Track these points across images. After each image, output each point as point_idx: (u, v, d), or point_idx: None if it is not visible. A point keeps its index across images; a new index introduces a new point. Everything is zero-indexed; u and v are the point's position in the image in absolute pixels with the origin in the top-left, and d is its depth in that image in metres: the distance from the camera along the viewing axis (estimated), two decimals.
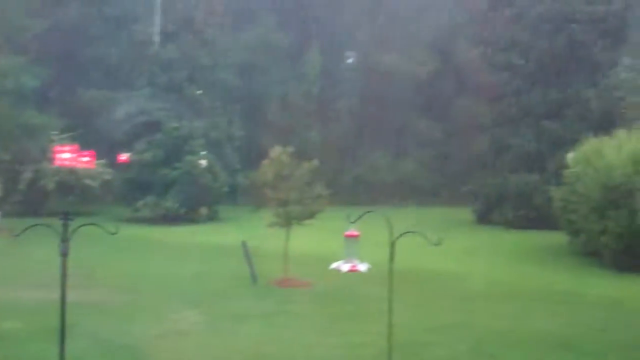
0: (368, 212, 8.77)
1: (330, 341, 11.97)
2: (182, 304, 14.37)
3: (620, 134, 21.87)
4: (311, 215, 17.35)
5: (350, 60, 44.42)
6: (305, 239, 19.12)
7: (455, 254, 21.16)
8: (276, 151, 17.61)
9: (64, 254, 6.28)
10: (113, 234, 6.74)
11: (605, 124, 26.82)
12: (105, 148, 30.71)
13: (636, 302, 15.79)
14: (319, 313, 14.06)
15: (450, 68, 40.94)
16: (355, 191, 36.94)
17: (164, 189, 29.45)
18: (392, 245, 7.29)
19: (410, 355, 10.96)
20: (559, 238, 23.62)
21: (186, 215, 29.45)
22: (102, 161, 30.04)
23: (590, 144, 22.14)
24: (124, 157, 30.12)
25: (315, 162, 17.61)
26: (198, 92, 31.43)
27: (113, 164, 30.42)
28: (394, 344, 6.86)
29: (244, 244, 17.33)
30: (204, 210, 30.13)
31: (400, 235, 7.30)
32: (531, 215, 29.08)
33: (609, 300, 15.90)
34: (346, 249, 9.84)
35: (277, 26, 38.81)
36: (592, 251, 21.28)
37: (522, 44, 30.93)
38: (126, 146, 30.24)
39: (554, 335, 12.57)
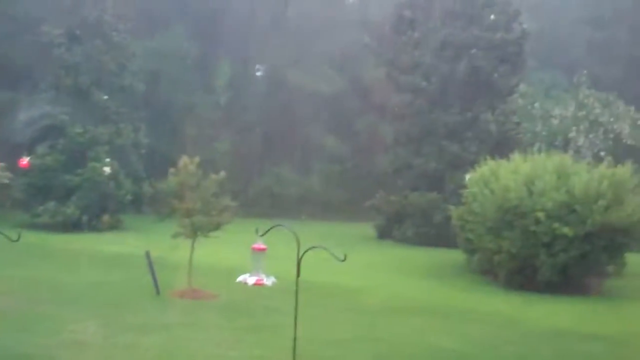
0: (276, 225, 8.96)
1: (232, 354, 12.06)
2: (82, 314, 14.11)
3: (516, 157, 22.96)
4: (217, 227, 17.37)
5: (259, 74, 44.61)
6: (212, 251, 19.10)
7: (358, 269, 21.59)
8: (183, 161, 17.56)
9: None
10: (14, 241, 6.62)
11: (502, 147, 28.09)
12: (5, 151, 29.65)
13: (527, 319, 16.59)
14: (222, 326, 14.11)
15: (356, 86, 41.81)
16: (263, 204, 37.07)
17: (65, 195, 28.70)
18: (299, 260, 7.50)
19: None
20: (457, 256, 24.49)
21: (88, 223, 28.77)
22: (1, 164, 29.00)
23: (488, 166, 23.11)
24: (24, 161, 29.16)
25: (223, 174, 17.66)
26: (104, 97, 30.84)
27: (13, 168, 29.41)
28: (297, 357, 7.05)
29: (147, 254, 17.15)
30: (106, 219, 29.52)
31: (307, 250, 7.52)
32: (431, 232, 30.01)
33: (502, 317, 16.64)
34: (253, 262, 9.95)
35: (188, 35, 38.59)
36: (487, 269, 22.17)
37: (425, 66, 32.00)
38: (27, 150, 29.32)
39: (450, 350, 13.08)
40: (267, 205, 37.32)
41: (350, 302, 17.44)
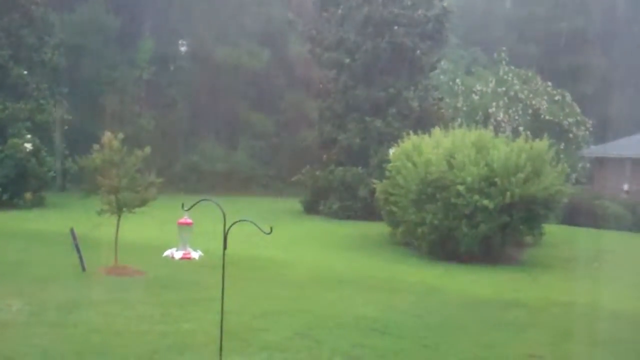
0: (202, 200, 9.06)
1: (161, 329, 12.12)
2: (5, 292, 13.89)
3: (438, 132, 23.56)
4: (143, 203, 17.29)
5: (183, 49, 44.12)
6: (138, 228, 19.02)
7: (284, 243, 21.88)
8: (107, 137, 17.36)
9: None
10: None
11: (424, 123, 28.76)
12: None
13: (450, 289, 17.19)
14: (150, 301, 14.13)
15: (282, 63, 41.87)
16: (189, 180, 36.88)
17: None
18: (225, 233, 7.64)
19: (239, 341, 11.37)
20: (381, 228, 25.04)
21: (9, 201, 28.11)
22: None
23: (410, 141, 23.66)
24: None
25: (148, 150, 17.55)
26: (23, 72, 30.01)
27: None
28: (225, 330, 7.22)
29: (72, 231, 16.96)
30: (28, 196, 28.89)
31: (233, 223, 7.66)
32: (356, 206, 30.55)
33: (425, 287, 17.19)
34: (179, 236, 10.02)
35: (109, 8, 37.80)
36: (411, 241, 22.78)
37: (348, 43, 32.30)
38: None
39: (373, 320, 13.46)
40: (193, 181, 37.19)
41: (277, 275, 17.69)
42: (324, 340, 11.84)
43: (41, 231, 22.25)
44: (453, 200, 20.85)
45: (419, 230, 21.65)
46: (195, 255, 10.16)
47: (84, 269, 16.43)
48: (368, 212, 28.89)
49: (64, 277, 15.85)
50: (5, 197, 28.03)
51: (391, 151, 25.13)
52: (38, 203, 29.23)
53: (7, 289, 14.21)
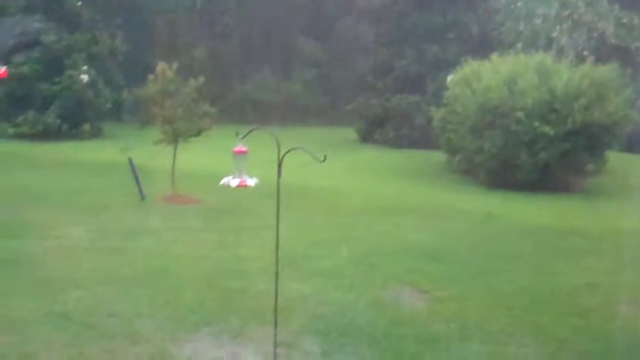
0: (255, 128, 8.94)
1: (218, 255, 12.27)
2: (67, 220, 14.22)
3: (498, 57, 22.86)
4: (198, 133, 17.36)
5: None
6: (193, 157, 19.13)
7: (339, 172, 21.79)
8: (161, 67, 17.35)
9: None
10: None
11: (483, 48, 27.86)
12: None
13: (507, 217, 16.90)
14: (207, 228, 14.30)
15: None
16: (243, 110, 36.89)
17: (44, 104, 28.43)
18: (279, 161, 7.53)
19: (294, 267, 11.43)
20: (438, 157, 24.72)
21: (68, 132, 28.62)
22: None
23: (469, 67, 23.02)
24: (1, 70, 28.65)
25: (201, 80, 17.52)
26: (78, 3, 30.07)
27: None
28: (281, 257, 7.21)
29: (130, 161, 17.18)
30: (86, 127, 29.36)
31: (287, 151, 7.53)
32: (412, 135, 30.15)
33: (480, 215, 16.93)
34: (235, 165, 9.98)
35: None
36: (468, 169, 22.44)
37: None
38: (3, 60, 28.74)
39: (428, 247, 13.36)
40: (247, 111, 37.17)
41: (332, 204, 17.66)
42: (379, 267, 11.81)
43: (100, 161, 22.62)
44: (512, 127, 20.35)
45: (477, 158, 21.28)
46: (251, 182, 10.09)
47: (142, 197, 16.67)
48: (424, 140, 28.48)
49: (123, 205, 16.11)
50: (64, 128, 28.52)
51: (449, 78, 24.54)
52: (96, 134, 29.69)
53: (68, 217, 14.53)
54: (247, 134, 9.13)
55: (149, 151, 17.81)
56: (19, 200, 16.05)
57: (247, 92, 39.16)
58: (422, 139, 29.03)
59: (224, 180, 9.63)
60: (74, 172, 20.42)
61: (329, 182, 20.19)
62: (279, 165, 7.12)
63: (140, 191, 16.71)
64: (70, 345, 7.97)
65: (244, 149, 10.28)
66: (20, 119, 28.11)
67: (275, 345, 7.11)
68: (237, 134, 9.58)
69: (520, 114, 20.10)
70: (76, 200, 16.43)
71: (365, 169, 24.15)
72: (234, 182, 9.96)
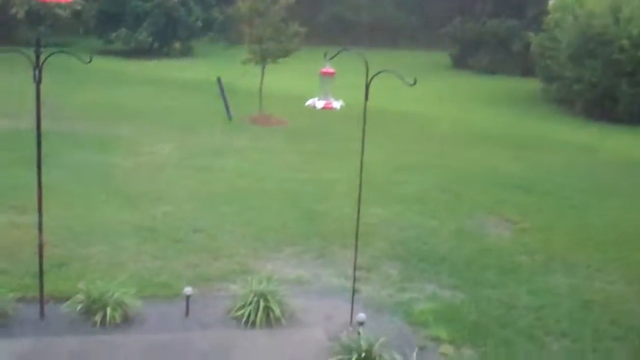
0: (344, 49, 8.68)
1: (302, 176, 12.27)
2: (157, 137, 14.49)
3: None
4: (286, 53, 17.22)
5: None
6: (281, 78, 19.08)
7: (429, 97, 21.34)
8: None
9: (38, 81, 6.23)
10: (87, 62, 6.63)
11: None
12: None
13: (604, 150, 16.23)
14: (293, 150, 14.31)
15: None
16: (333, 31, 36.33)
17: (136, 21, 28.76)
18: (367, 84, 7.32)
19: (378, 192, 11.30)
20: (533, 85, 23.83)
21: (160, 49, 29.00)
22: None
23: None
24: None
25: None
26: None
27: None
28: (364, 181, 7.08)
29: (219, 80, 17.26)
30: (177, 45, 29.65)
31: (376, 74, 7.30)
32: (508, 61, 29.13)
33: (576, 147, 16.32)
34: (321, 86, 9.81)
35: None
36: (565, 99, 21.57)
37: None
38: None
39: (518, 177, 12.99)
40: (337, 32, 36.55)
41: (420, 130, 17.35)
42: (465, 195, 11.57)
43: (189, 79, 22.85)
44: (615, 56, 19.31)
45: (575, 87, 20.38)
46: (337, 105, 9.89)
47: (230, 117, 16.78)
48: (520, 67, 27.49)
49: (211, 124, 16.27)
50: (155, 45, 28.87)
51: (550, 2, 23.36)
52: (186, 52, 29.95)
53: (158, 134, 14.79)
54: (335, 55, 8.91)
55: (237, 71, 17.84)
56: (112, 117, 16.41)
57: (337, 13, 38.49)
58: (517, 66, 28.03)
59: (309, 102, 9.48)
60: (163, 90, 20.71)
61: (418, 107, 19.80)
62: (367, 88, 6.92)
63: (228, 111, 16.81)
64: (157, 257, 8.17)
65: (331, 70, 10.06)
66: (112, 35, 28.60)
67: (355, 268, 7.07)
68: (325, 55, 9.37)
69: (624, 42, 19.04)
70: (166, 118, 16.70)
71: (457, 95, 23.55)
72: (319, 103, 9.80)
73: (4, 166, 11.35)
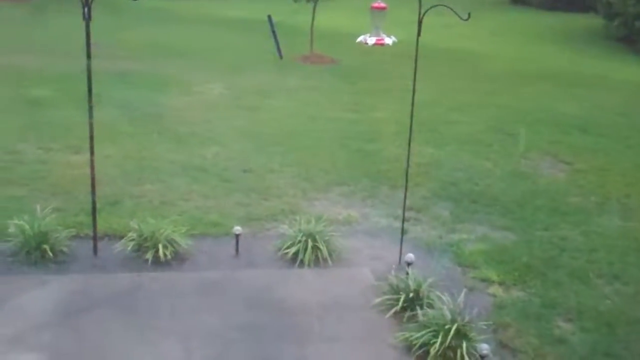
0: None
1: (352, 116, 12.16)
2: (207, 77, 14.47)
3: None
4: None
5: None
6: (332, 15, 18.79)
7: (484, 35, 20.80)
8: None
9: (88, 19, 6.21)
10: (135, 0, 6.59)
11: None
12: None
13: None
14: (343, 89, 14.15)
15: None
16: None
17: None
18: (420, 19, 7.11)
19: (430, 132, 11.16)
20: (594, 22, 22.96)
21: None
22: None
23: None
24: None
25: None
26: None
27: None
28: (416, 121, 6.94)
29: (269, 18, 17.06)
30: None
31: (429, 8, 7.09)
32: None
33: (634, 86, 15.76)
34: (372, 22, 9.59)
35: None
36: (626, 36, 20.77)
37: None
38: None
39: (574, 117, 12.64)
40: None
41: (474, 68, 16.94)
42: (520, 135, 11.31)
43: (240, 18, 22.65)
44: None
45: (637, 24, 19.57)
46: (389, 41, 9.68)
47: (280, 56, 16.64)
48: (581, 3, 26.45)
49: (261, 63, 16.17)
50: None
51: None
52: None
53: (208, 74, 14.77)
54: None
55: (289, 9, 17.60)
56: (162, 56, 16.43)
57: None
58: (578, 2, 26.96)
59: (360, 38, 9.30)
60: (214, 29, 20.60)
61: (474, 44, 19.32)
62: (419, 23, 6.71)
63: (278, 50, 16.67)
64: (207, 197, 8.23)
65: (383, 4, 9.84)
66: None
67: (405, 208, 7.01)
68: None
69: None
70: (216, 57, 16.64)
71: (514, 32, 22.86)
72: (370, 40, 9.61)
73: (59, 106, 11.51)
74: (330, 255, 6.71)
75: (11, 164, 8.92)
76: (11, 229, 6.67)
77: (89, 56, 6.35)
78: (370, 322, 5.82)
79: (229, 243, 6.93)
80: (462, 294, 5.79)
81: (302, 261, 6.63)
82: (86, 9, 6.18)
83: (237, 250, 6.84)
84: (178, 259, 6.63)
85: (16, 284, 6.08)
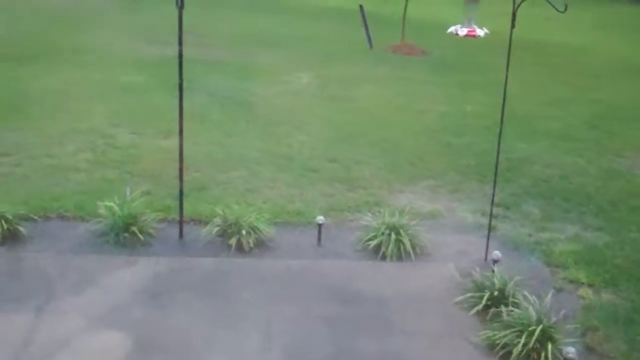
0: None
1: (442, 109, 11.96)
2: (296, 66, 14.53)
3: None
4: None
5: None
6: (425, 5, 18.51)
7: (584, 28, 20.11)
8: None
9: (181, 7, 6.29)
10: None
11: None
12: None
13: None
14: (433, 81, 13.94)
15: None
16: None
17: None
18: (514, 10, 6.89)
19: (523, 126, 10.86)
20: None
21: None
22: None
23: None
24: None
25: None
26: None
27: None
28: (507, 115, 6.73)
29: (361, 8, 16.97)
30: None
31: (523, 0, 6.86)
32: None
33: None
34: (465, 13, 9.42)
35: None
36: None
37: None
38: None
39: None
40: None
41: (570, 62, 16.38)
42: (616, 132, 10.87)
43: (330, 7, 22.65)
44: None
45: None
46: (481, 32, 9.48)
47: (371, 46, 16.54)
48: None
49: (351, 53, 16.12)
50: None
51: None
52: None
53: (297, 63, 14.83)
54: None
55: None
56: (252, 44, 16.59)
57: None
58: None
59: (451, 29, 9.16)
60: (304, 18, 20.68)
61: (571, 37, 18.69)
62: (513, 15, 6.49)
63: (369, 40, 16.56)
64: (291, 185, 8.24)
65: None
66: None
67: (493, 204, 6.81)
68: None
69: None
70: (305, 47, 16.68)
71: (613, 25, 22.01)
72: (462, 31, 9.47)
73: (152, 92, 11.78)
74: (413, 249, 6.60)
75: (105, 147, 9.18)
76: (101, 210, 6.85)
77: (180, 43, 6.43)
78: (452, 318, 5.69)
79: (311, 232, 6.92)
80: (549, 295, 5.58)
81: (384, 254, 6.55)
82: None
83: (319, 240, 6.82)
84: (261, 246, 6.66)
85: (105, 264, 6.24)
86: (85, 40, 15.80)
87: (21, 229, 6.58)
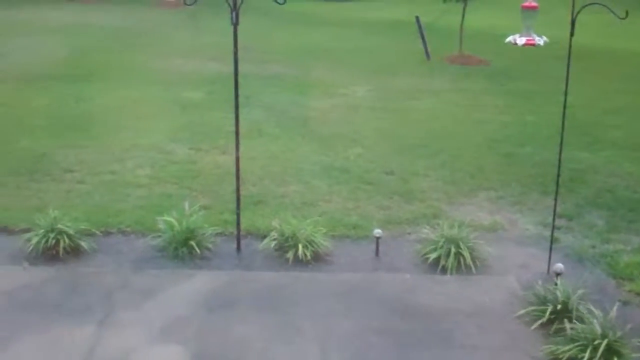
0: None
1: (502, 119, 11.77)
2: (353, 79, 14.51)
3: None
4: None
5: None
6: (482, 15, 18.32)
7: None
8: None
9: (235, 24, 6.35)
10: (281, 4, 6.67)
11: None
12: None
13: None
14: (493, 91, 13.73)
15: None
16: None
17: None
18: (573, 18, 6.73)
19: (585, 136, 10.60)
20: None
21: None
22: None
23: None
24: None
25: None
26: None
27: None
28: (569, 124, 6.57)
29: (417, 19, 16.89)
30: None
31: (584, 6, 6.70)
32: None
33: None
34: (523, 22, 9.26)
35: None
36: None
37: None
38: None
39: None
40: None
41: (635, 69, 15.93)
42: None
43: (385, 20, 22.60)
44: None
45: None
46: (540, 41, 9.31)
47: (428, 57, 16.42)
48: None
49: (408, 64, 16.02)
50: None
51: None
52: None
53: (352, 76, 14.81)
54: None
55: (438, 9, 17.36)
56: (307, 58, 16.64)
57: None
58: None
59: (509, 38, 9.02)
60: (359, 31, 20.67)
61: (634, 44, 18.19)
62: (572, 22, 6.34)
63: (426, 51, 16.45)
64: (348, 199, 8.20)
65: (534, 4, 9.48)
66: None
67: (555, 215, 6.64)
68: None
69: None
70: (360, 59, 16.66)
71: None
72: (520, 40, 9.32)
73: (210, 108, 11.90)
74: (473, 262, 6.48)
75: (164, 162, 9.30)
76: (160, 225, 6.94)
77: (236, 59, 6.49)
78: (513, 332, 5.56)
79: (369, 246, 6.86)
80: (615, 308, 5.40)
81: (444, 267, 6.45)
82: (234, 14, 6.32)
83: (377, 253, 6.75)
84: (318, 259, 6.63)
85: (165, 278, 6.30)
86: (143, 58, 16.12)
87: (83, 243, 6.70)
